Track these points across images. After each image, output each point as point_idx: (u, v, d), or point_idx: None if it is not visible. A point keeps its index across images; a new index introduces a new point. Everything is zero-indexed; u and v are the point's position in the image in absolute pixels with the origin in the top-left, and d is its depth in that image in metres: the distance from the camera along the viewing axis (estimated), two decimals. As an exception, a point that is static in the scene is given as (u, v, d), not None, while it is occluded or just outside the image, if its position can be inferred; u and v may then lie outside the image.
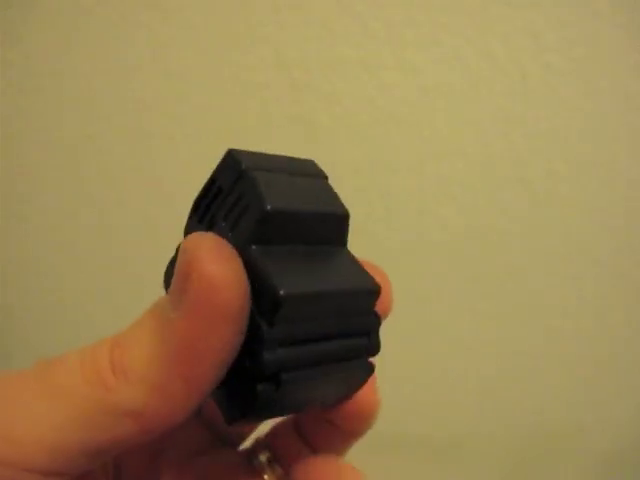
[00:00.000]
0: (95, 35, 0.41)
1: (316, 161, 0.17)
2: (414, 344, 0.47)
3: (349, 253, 0.16)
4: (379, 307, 0.16)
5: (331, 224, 0.16)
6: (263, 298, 0.13)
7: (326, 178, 0.17)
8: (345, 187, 0.44)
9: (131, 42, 0.41)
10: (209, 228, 0.15)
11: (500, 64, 0.40)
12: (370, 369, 0.16)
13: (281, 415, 0.16)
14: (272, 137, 0.42)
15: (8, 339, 0.49)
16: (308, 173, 0.17)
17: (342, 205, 0.16)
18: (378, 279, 0.16)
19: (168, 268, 0.17)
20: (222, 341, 0.13)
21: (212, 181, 0.16)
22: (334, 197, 0.16)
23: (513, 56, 0.40)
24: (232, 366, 0.14)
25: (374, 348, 0.16)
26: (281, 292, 0.13)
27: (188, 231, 0.16)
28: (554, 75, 0.40)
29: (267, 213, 0.14)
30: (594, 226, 0.44)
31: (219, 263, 0.13)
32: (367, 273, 0.16)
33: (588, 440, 0.51)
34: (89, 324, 0.48)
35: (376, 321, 0.16)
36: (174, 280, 0.13)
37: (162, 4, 0.40)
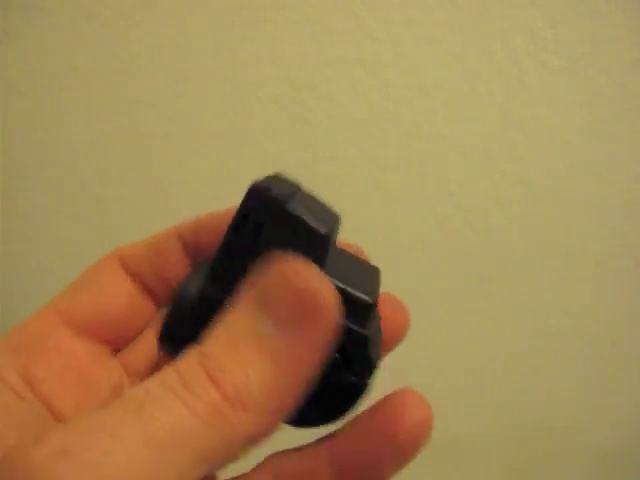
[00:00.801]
0: (94, 35, 0.41)
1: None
2: (413, 344, 0.47)
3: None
4: (396, 330, 0.19)
5: (338, 229, 0.17)
6: (351, 309, 0.15)
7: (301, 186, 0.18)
8: (344, 186, 0.44)
9: (130, 42, 0.41)
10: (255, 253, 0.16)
11: (498, 63, 0.40)
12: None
13: None
14: (271, 136, 0.42)
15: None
16: (298, 187, 0.17)
17: (331, 207, 0.18)
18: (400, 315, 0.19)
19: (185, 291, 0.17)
20: (325, 357, 0.14)
21: (244, 217, 0.16)
22: (324, 203, 0.18)
23: (511, 55, 0.40)
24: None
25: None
26: (369, 299, 0.15)
27: (240, 256, 0.16)
28: (552, 73, 0.40)
29: (326, 237, 0.15)
30: (594, 226, 0.44)
31: (332, 294, 0.14)
32: (360, 257, 0.19)
33: (588, 440, 0.51)
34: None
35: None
36: (282, 309, 0.14)
37: (161, 4, 0.40)
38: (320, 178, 0.43)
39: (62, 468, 0.11)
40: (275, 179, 0.17)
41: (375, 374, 0.16)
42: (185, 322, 0.16)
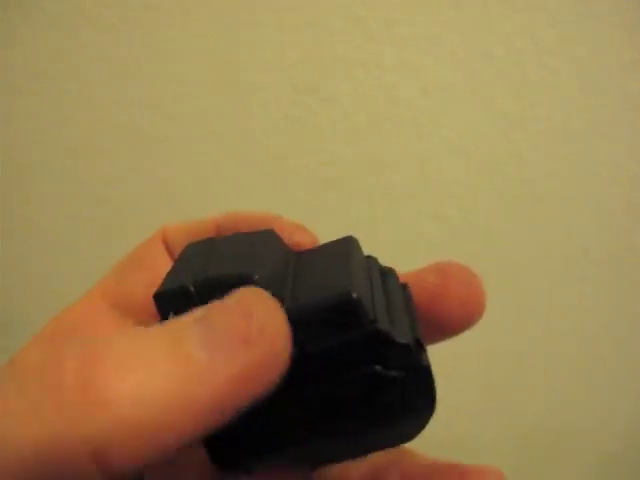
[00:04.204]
0: (95, 36, 0.41)
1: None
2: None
3: None
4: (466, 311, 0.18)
5: None
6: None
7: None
8: (345, 187, 0.44)
9: (131, 43, 0.41)
10: None
11: (500, 64, 0.40)
12: None
13: None
14: (273, 139, 0.43)
15: (8, 340, 0.49)
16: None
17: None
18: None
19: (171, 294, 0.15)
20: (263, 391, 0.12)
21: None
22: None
23: (513, 56, 0.40)
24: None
25: None
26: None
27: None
28: (553, 75, 0.40)
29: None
30: (594, 226, 0.44)
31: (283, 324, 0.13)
32: None
33: (588, 440, 0.51)
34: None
35: None
36: (224, 328, 0.12)
37: (162, 6, 0.40)
38: (322, 180, 0.43)
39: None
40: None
41: None
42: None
